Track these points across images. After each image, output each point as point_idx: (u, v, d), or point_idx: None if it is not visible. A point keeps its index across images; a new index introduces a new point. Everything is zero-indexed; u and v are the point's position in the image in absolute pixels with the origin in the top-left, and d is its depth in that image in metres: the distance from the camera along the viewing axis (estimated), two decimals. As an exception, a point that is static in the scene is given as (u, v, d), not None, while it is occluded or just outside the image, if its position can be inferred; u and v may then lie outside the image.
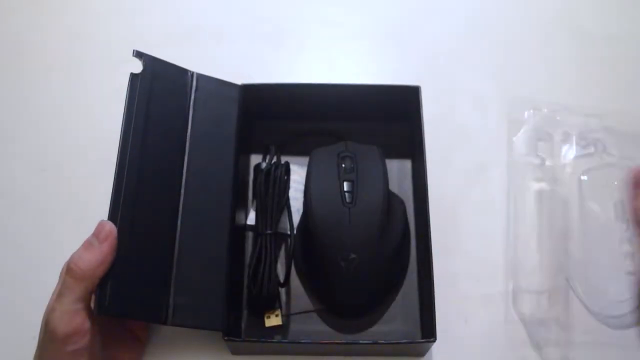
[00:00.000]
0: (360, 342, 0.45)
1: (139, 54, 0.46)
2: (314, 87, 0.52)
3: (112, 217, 0.42)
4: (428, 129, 0.49)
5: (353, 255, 0.45)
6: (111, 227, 0.40)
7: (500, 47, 0.62)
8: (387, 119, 0.54)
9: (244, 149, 0.52)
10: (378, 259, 0.46)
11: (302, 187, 0.50)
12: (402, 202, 0.51)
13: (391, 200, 0.48)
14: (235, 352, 0.48)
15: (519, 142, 0.56)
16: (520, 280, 0.50)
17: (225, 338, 0.43)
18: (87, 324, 0.39)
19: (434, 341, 0.43)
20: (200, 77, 0.50)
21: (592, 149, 0.54)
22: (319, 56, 0.62)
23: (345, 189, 0.47)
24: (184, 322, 0.43)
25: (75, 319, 0.39)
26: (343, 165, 0.48)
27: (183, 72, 0.49)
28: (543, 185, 0.53)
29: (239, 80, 0.52)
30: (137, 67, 0.46)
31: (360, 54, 0.62)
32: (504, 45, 0.62)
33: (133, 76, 0.45)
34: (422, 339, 0.46)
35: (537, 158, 0.55)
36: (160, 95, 0.46)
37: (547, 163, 0.54)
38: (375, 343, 0.44)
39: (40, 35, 0.63)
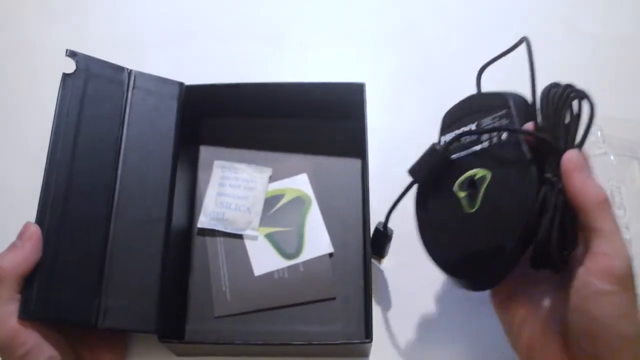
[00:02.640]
0: (294, 342, 0.44)
1: (72, 53, 0.45)
2: (258, 87, 0.51)
3: (39, 218, 0.41)
4: (425, 129, 0.46)
5: None
6: (35, 228, 0.40)
7: (501, 48, 0.61)
8: (335, 117, 0.53)
9: (190, 147, 0.52)
10: None
11: (247, 184, 0.51)
12: None
13: None
14: (179, 353, 0.47)
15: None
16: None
17: (162, 340, 0.43)
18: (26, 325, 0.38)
19: (370, 342, 0.42)
20: (139, 74, 0.49)
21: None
22: (319, 57, 0.60)
23: None
24: (115, 325, 0.42)
25: (8, 323, 0.38)
26: None
27: (119, 70, 0.48)
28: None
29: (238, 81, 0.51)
30: (72, 67, 0.45)
31: (357, 55, 0.60)
32: (504, 46, 0.61)
33: (65, 76, 0.44)
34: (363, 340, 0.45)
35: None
36: (94, 94, 0.46)
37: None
38: (309, 344, 0.43)
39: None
